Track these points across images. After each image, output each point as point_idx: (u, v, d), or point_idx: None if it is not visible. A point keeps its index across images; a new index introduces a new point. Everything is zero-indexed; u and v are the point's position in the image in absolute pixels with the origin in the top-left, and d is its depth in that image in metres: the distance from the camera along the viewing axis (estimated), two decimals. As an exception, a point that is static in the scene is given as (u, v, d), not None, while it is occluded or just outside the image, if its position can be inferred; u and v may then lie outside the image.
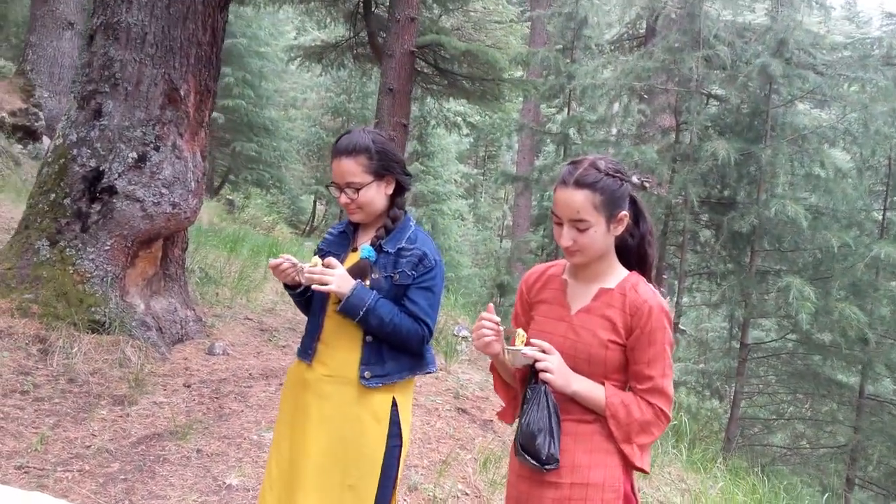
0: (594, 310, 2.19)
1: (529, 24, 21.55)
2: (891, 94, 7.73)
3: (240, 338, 6.28)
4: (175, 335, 5.80)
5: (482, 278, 22.66)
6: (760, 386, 9.80)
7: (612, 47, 14.96)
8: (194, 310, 6.20)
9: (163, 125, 5.53)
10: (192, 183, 5.68)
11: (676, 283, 10.38)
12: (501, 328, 2.19)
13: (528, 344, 2.22)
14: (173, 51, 5.55)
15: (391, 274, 2.60)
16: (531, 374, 2.14)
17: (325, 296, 2.65)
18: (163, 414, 4.56)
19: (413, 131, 23.74)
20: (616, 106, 10.88)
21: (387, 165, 2.65)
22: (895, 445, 7.96)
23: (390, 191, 2.70)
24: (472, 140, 33.14)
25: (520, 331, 2.22)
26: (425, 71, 15.10)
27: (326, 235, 2.85)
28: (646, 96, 10.74)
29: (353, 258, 2.67)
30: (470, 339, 8.93)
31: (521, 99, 19.74)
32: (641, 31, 18.93)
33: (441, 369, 6.33)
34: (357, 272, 2.59)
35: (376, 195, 2.64)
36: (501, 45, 18.33)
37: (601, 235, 2.13)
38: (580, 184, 2.10)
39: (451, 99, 18.75)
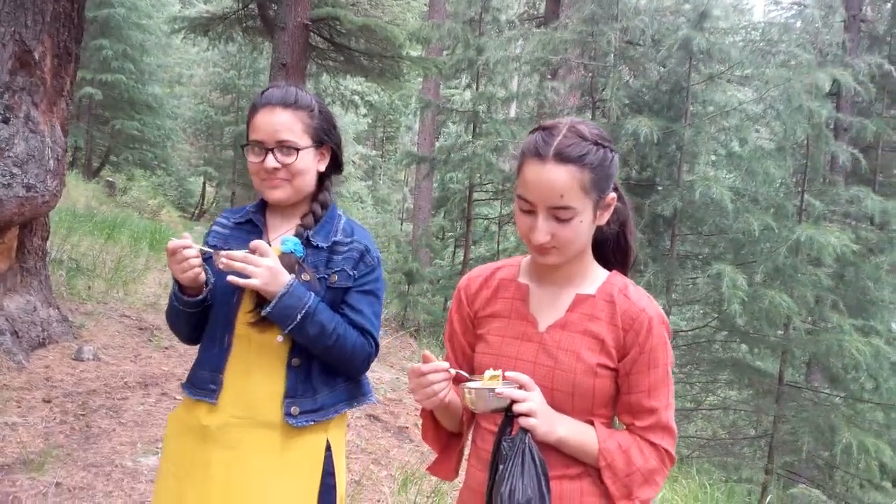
0: (572, 324, 1.67)
1: (427, 1, 21.01)
2: (812, 68, 7.60)
3: (114, 339, 5.51)
4: (35, 339, 4.99)
5: (384, 262, 22.10)
6: (680, 375, 9.67)
7: (517, 24, 14.58)
8: (59, 308, 5.38)
9: (13, 93, 4.68)
10: (51, 161, 4.86)
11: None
12: (452, 372, 1.64)
13: (482, 356, 1.72)
14: (24, 6, 4.70)
15: (326, 275, 2.02)
16: (505, 420, 1.57)
17: (231, 304, 2.03)
18: (15, 438, 3.80)
19: (308, 110, 22.81)
20: (526, 83, 10.46)
21: (328, 131, 2.09)
22: (821, 435, 7.93)
23: (323, 167, 2.11)
24: (370, 121, 32.47)
25: (490, 373, 1.65)
26: (320, 46, 14.49)
27: (215, 227, 2.17)
28: (559, 71, 10.36)
29: None
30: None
31: (419, 79, 19.19)
32: (541, 11, 18.69)
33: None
34: None
35: (311, 167, 2.06)
36: (399, 21, 17.73)
37: (587, 226, 1.61)
38: (563, 157, 1.56)
39: (348, 76, 18.07)
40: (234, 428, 1.99)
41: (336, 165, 2.17)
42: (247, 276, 1.88)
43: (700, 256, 9.35)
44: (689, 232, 9.38)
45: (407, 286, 10.15)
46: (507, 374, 1.57)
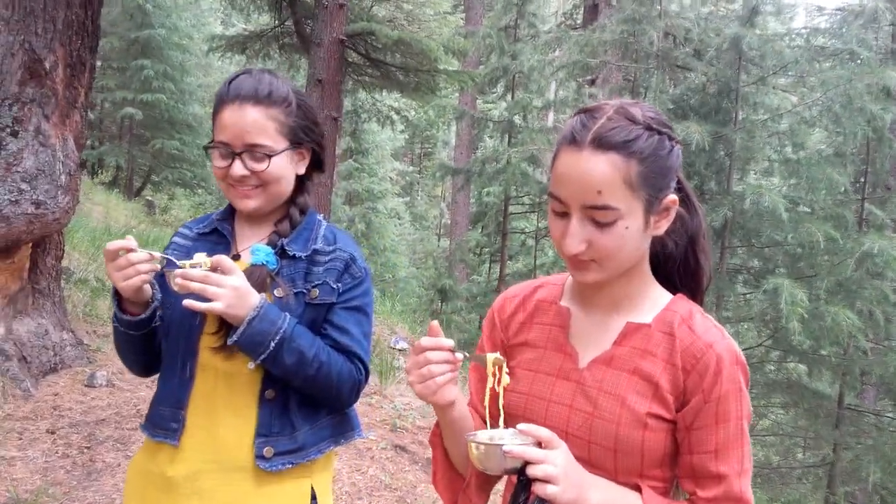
0: (619, 360, 1.31)
1: (464, 14, 20.81)
2: (874, 67, 7.07)
3: (131, 363, 5.24)
4: (45, 364, 4.74)
5: (420, 280, 21.79)
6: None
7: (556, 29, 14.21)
8: (73, 332, 5.13)
9: (22, 105, 4.45)
10: (63, 176, 4.62)
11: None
12: (459, 356, 1.29)
13: (510, 395, 1.37)
14: (34, 13, 4.48)
15: (304, 289, 1.70)
16: (520, 485, 1.19)
17: (193, 327, 1.70)
18: (10, 475, 3.51)
19: (345, 127, 22.80)
20: (563, 89, 10.05)
21: (307, 129, 1.77)
22: (888, 464, 7.32)
23: (302, 169, 1.79)
24: (407, 137, 32.42)
25: (493, 355, 1.34)
26: (356, 61, 14.40)
27: (176, 238, 1.85)
28: (598, 78, 9.91)
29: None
30: (408, 357, 8.02)
31: (456, 95, 18.97)
32: (579, 21, 18.31)
33: (375, 392, 5.40)
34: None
35: (287, 172, 1.74)
36: (436, 36, 17.53)
37: (635, 235, 1.24)
38: (603, 143, 1.20)
39: (384, 91, 17.91)
40: (203, 475, 1.66)
41: (317, 164, 1.84)
42: (208, 299, 1.54)
43: (752, 270, 8.78)
44: (741, 244, 8.79)
45: (440, 304, 9.78)
46: (522, 427, 1.19)
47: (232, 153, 1.67)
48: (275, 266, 1.69)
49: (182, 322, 1.71)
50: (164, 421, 1.72)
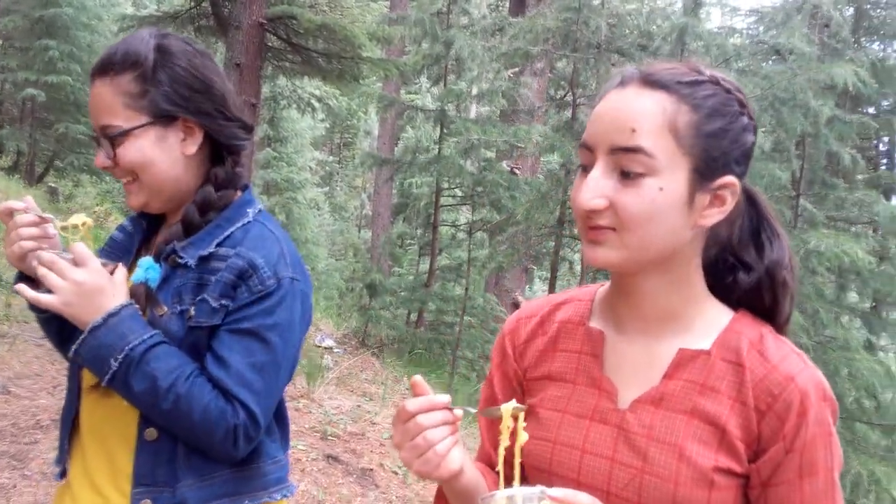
0: (673, 398, 1.04)
1: (388, 3, 20.49)
2: (814, 64, 7.11)
3: (30, 366, 4.77)
4: (-70, 370, 4.24)
5: (341, 271, 21.40)
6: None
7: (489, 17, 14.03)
8: (-36, 332, 4.63)
9: None
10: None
11: (552, 277, 9.57)
12: (459, 412, 1.01)
13: (532, 441, 1.08)
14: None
15: (186, 308, 1.36)
16: None
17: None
18: None
19: (263, 114, 22.18)
20: (497, 78, 9.84)
21: (181, 96, 1.38)
22: None
23: (192, 149, 1.41)
24: (327, 126, 31.89)
25: (510, 404, 1.03)
26: (277, 46, 13.95)
27: (115, 233, 1.55)
28: (530, 67, 9.73)
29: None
30: (336, 352, 7.67)
31: (379, 84, 18.63)
32: (504, 11, 18.22)
33: (302, 396, 5.08)
34: None
35: (160, 155, 1.38)
36: (359, 23, 17.16)
37: (671, 205, 0.98)
38: (653, 82, 0.99)
39: (305, 78, 17.45)
40: None
41: (219, 143, 1.46)
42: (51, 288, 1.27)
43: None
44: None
45: (369, 300, 9.47)
46: (553, 493, 0.91)
47: (96, 140, 1.38)
48: (155, 281, 1.37)
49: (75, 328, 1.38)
50: (60, 447, 1.46)
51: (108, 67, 1.35)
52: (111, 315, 1.28)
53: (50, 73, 20.34)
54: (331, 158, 34.90)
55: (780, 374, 1.00)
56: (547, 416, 1.11)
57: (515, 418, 1.03)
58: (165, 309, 1.35)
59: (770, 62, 8.22)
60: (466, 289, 9.92)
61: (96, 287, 1.28)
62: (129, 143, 1.35)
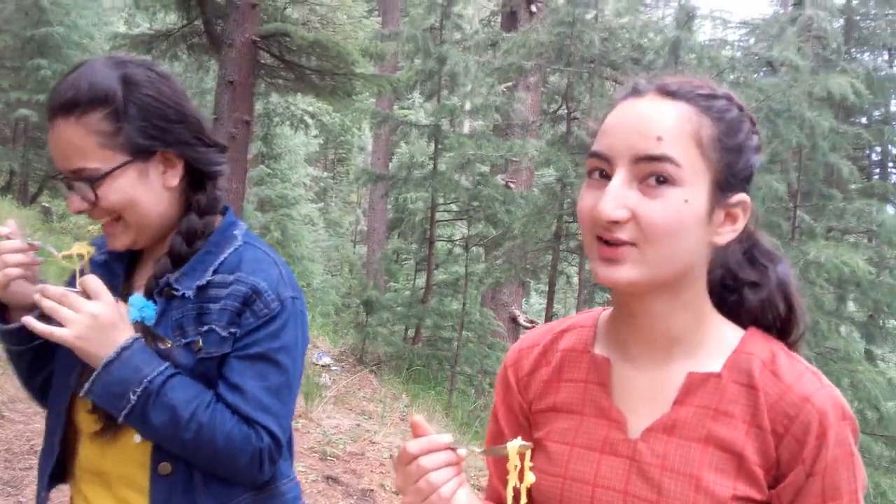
0: (686, 425, 1.00)
1: (380, 19, 20.57)
2: (807, 77, 7.13)
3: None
4: (-76, 396, 4.18)
5: (336, 287, 21.36)
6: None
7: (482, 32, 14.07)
8: (-43, 356, 4.57)
9: None
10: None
11: (572, 294, 9.56)
12: (462, 452, 0.97)
13: (541, 476, 1.05)
14: None
15: (193, 339, 1.33)
16: None
17: (69, 382, 1.37)
18: None
19: (257, 131, 22.18)
20: (492, 93, 9.85)
21: (158, 129, 1.34)
22: None
23: (174, 180, 1.37)
24: (321, 142, 31.94)
25: (515, 443, 1.00)
26: (269, 63, 14.01)
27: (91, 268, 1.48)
28: (523, 82, 9.75)
29: None
30: (334, 370, 7.62)
31: (373, 100, 18.68)
32: (497, 28, 18.30)
33: (300, 416, 5.03)
34: None
35: (143, 192, 1.34)
36: (351, 40, 17.21)
37: (694, 219, 0.95)
38: (673, 92, 0.96)
39: (298, 94, 17.50)
40: None
41: (199, 172, 1.42)
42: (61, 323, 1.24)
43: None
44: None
45: (366, 317, 9.42)
46: None
47: (66, 182, 1.32)
48: (151, 319, 1.34)
49: (63, 370, 1.36)
50: (40, 484, 1.41)
51: (71, 106, 1.27)
52: (124, 349, 1.25)
53: (42, 92, 20.29)
54: (325, 174, 34.91)
55: (795, 394, 0.96)
56: (555, 449, 1.07)
57: (522, 456, 0.99)
58: (170, 343, 1.32)
59: (762, 74, 8.25)
60: (464, 304, 9.89)
61: (110, 321, 1.25)
62: (110, 185, 1.30)
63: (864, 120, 12.12)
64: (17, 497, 3.45)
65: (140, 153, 1.32)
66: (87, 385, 1.26)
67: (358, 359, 9.51)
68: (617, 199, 0.93)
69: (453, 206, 10.86)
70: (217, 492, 1.35)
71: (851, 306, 9.40)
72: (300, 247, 22.77)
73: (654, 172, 0.92)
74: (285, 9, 15.74)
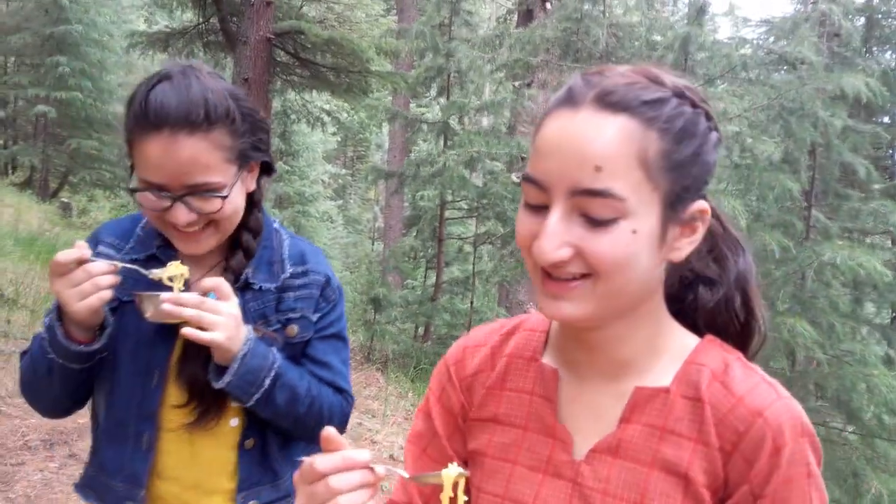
0: (630, 446, 0.91)
1: (396, 18, 20.55)
2: (820, 74, 6.95)
3: (23, 386, 4.69)
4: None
5: (354, 285, 21.39)
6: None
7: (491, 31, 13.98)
8: (-46, 350, 4.57)
9: None
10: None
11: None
12: (381, 470, 0.87)
13: (478, 495, 0.97)
14: None
15: (279, 324, 1.48)
16: None
17: (149, 389, 1.40)
18: None
19: (274, 128, 22.25)
20: (501, 90, 9.76)
21: (263, 140, 1.44)
22: (843, 482, 7.14)
23: (253, 185, 1.46)
24: (339, 139, 32.08)
25: (452, 471, 0.88)
26: (285, 61, 14.09)
27: (102, 248, 1.50)
28: (536, 78, 9.64)
29: None
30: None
31: (389, 98, 18.63)
32: (513, 27, 18.20)
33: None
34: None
35: (240, 199, 1.42)
36: (367, 38, 17.21)
37: (646, 247, 0.85)
38: (613, 103, 0.84)
39: (314, 92, 17.52)
40: None
41: (267, 169, 1.52)
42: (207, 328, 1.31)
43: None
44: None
45: (374, 315, 9.35)
46: None
47: (171, 197, 1.30)
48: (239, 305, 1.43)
49: (134, 379, 1.40)
50: (118, 498, 1.42)
51: (197, 124, 1.28)
52: (249, 340, 1.36)
53: (61, 89, 20.57)
54: (344, 171, 35.04)
55: (745, 407, 0.87)
56: (495, 467, 0.98)
57: (455, 485, 0.88)
58: (263, 330, 1.43)
59: (782, 72, 8.08)
60: (472, 302, 9.80)
61: (240, 318, 1.35)
62: (233, 199, 1.37)
63: (886, 119, 11.89)
64: (6, 493, 3.42)
65: (244, 163, 1.40)
66: (225, 377, 1.33)
67: (365, 356, 9.46)
68: (558, 236, 0.83)
69: (463, 204, 10.77)
70: (286, 456, 1.52)
71: (870, 308, 9.21)
72: (318, 243, 22.81)
73: (595, 208, 0.83)
74: (301, 7, 15.77)
